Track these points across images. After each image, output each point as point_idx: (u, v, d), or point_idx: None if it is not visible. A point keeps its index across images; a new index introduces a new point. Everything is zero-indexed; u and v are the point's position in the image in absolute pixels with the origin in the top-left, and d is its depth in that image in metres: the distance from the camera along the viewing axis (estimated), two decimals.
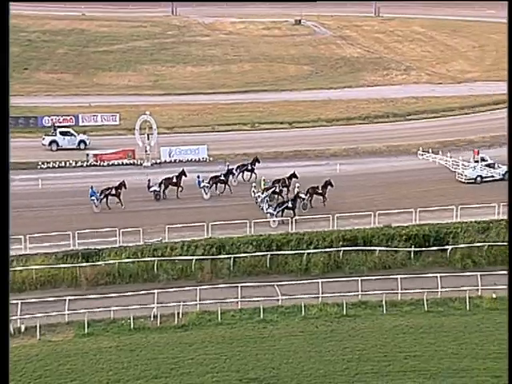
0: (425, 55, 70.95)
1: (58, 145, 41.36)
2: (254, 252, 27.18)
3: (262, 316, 23.63)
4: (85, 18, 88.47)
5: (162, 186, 32.86)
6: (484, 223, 29.23)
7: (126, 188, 31.99)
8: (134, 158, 39.60)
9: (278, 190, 32.39)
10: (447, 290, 25.09)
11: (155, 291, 23.99)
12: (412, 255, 27.85)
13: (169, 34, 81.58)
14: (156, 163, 39.32)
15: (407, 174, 36.94)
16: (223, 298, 24.21)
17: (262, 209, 30.63)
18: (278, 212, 30.01)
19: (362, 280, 25.23)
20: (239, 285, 24.63)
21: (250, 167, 35.22)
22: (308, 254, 27.39)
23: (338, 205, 31.90)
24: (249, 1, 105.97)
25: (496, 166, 35.85)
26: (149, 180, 33.40)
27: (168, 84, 61.26)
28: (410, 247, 27.97)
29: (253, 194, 32.39)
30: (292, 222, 29.43)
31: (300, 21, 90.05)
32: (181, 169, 34.06)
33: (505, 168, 35.08)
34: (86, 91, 57.36)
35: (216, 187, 33.62)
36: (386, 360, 21.00)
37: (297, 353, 21.46)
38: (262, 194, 31.54)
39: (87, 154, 39.34)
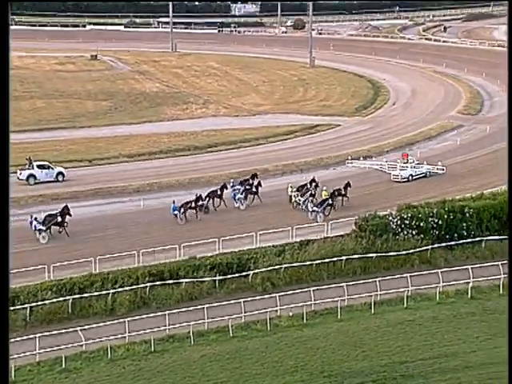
0: (221, 89, 74.76)
1: (35, 178, 40.84)
2: (55, 298, 26.01)
3: (64, 365, 22.58)
4: None
5: (209, 198, 36.46)
6: (280, 246, 31.51)
7: (203, 201, 35.91)
8: None
9: (313, 192, 36.89)
10: (250, 313, 26.50)
11: None
12: (217, 284, 28.94)
13: None
14: None
15: None
16: (18, 352, 22.61)
17: (307, 208, 35.25)
18: (323, 209, 34.93)
19: (169, 314, 25.53)
20: (37, 335, 23.27)
21: (251, 182, 39.06)
22: (113, 293, 26.99)
23: (141, 240, 32.03)
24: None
25: (421, 165, 43.47)
26: (196, 194, 36.28)
27: None
28: (215, 276, 29.07)
29: (293, 197, 36.77)
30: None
31: (96, 56, 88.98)
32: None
33: (426, 166, 43.12)
34: None
35: (247, 198, 37.69)
36: None
37: None
38: (302, 197, 36.27)
39: None
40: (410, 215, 32.33)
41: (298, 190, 37.26)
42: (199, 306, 26.40)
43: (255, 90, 74.50)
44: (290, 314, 26.84)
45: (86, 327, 24.43)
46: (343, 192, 36.98)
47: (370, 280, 28.85)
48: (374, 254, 31.10)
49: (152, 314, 25.83)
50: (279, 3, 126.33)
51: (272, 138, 54.14)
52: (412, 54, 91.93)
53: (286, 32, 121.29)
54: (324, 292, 28.02)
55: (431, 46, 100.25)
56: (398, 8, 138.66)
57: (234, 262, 29.96)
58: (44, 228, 32.45)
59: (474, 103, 64.72)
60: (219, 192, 37.00)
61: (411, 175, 42.45)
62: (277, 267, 29.85)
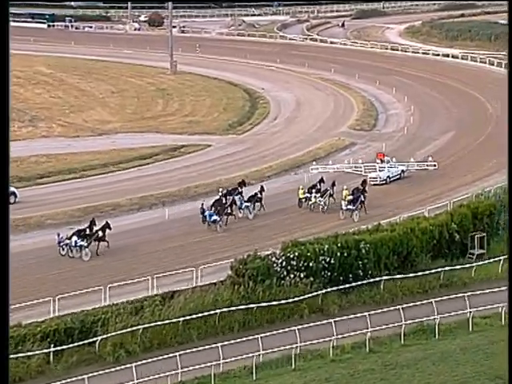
0: (55, 102, 73.57)
1: None
2: None
3: None
4: None
5: (215, 208, 41.79)
6: (137, 302, 31.45)
7: (235, 205, 42.72)
8: None
9: (332, 192, 43.63)
10: None
11: None
12: (52, 357, 28.26)
13: None
14: None
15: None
16: None
17: (340, 207, 42.27)
18: (357, 206, 41.73)
19: None
20: None
21: (240, 190, 44.87)
22: None
23: None
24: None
25: (396, 166, 49.88)
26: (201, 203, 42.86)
27: None
28: (49, 347, 28.38)
29: (314, 198, 43.20)
30: None
31: None
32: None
33: (401, 167, 49.68)
34: None
35: (254, 207, 43.80)
36: None
37: None
38: (322, 197, 43.20)
39: None
40: (296, 254, 33.68)
41: (309, 192, 43.74)
42: None
43: (101, 102, 74.16)
44: None
45: None
46: (363, 190, 43.24)
47: (250, 337, 29.56)
48: (255, 305, 31.94)
49: None
50: None
51: (124, 164, 54.08)
52: (295, 58, 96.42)
53: (139, 29, 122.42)
54: (193, 356, 28.24)
55: (317, 48, 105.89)
56: (276, 2, 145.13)
57: (75, 327, 29.50)
58: (86, 244, 36.71)
59: (368, 116, 69.07)
60: (224, 201, 42.75)
61: (388, 177, 48.76)
62: (133, 329, 29.70)
